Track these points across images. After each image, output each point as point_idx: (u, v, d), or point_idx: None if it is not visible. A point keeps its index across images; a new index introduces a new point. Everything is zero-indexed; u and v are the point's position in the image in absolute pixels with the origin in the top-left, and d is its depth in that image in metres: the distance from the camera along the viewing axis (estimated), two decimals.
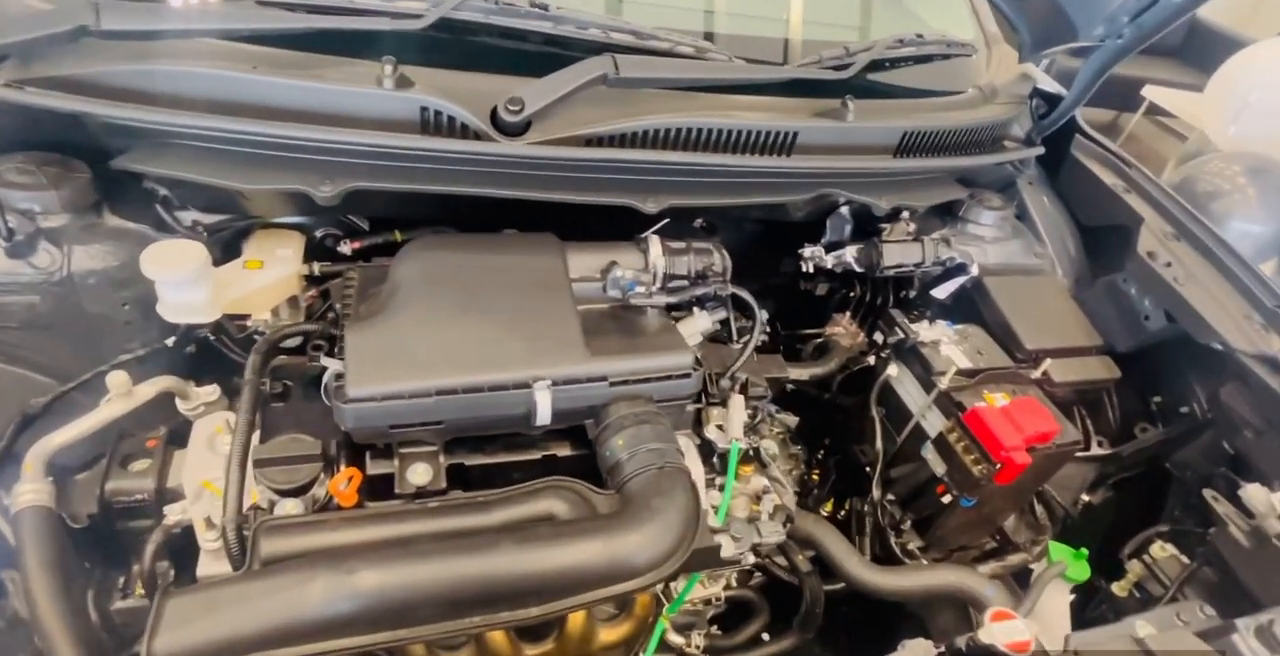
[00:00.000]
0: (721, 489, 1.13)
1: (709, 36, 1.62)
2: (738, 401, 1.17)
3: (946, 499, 1.28)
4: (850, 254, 1.50)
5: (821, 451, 1.70)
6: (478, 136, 1.09)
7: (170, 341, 1.18)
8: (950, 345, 1.44)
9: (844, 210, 1.48)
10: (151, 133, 1.02)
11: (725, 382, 1.21)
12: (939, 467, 1.30)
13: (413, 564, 0.77)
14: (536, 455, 1.03)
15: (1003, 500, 1.38)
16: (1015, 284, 1.60)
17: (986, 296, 1.56)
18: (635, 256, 1.17)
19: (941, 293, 1.59)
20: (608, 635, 1.20)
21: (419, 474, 0.94)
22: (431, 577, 0.77)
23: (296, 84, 1.02)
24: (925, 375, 1.38)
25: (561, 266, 1.08)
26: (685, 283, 1.19)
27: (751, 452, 1.22)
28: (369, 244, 1.30)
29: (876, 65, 1.58)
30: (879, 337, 1.47)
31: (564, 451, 1.04)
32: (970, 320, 1.54)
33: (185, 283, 1.03)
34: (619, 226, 1.23)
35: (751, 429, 1.24)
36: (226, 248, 1.25)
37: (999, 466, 1.19)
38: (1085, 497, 1.61)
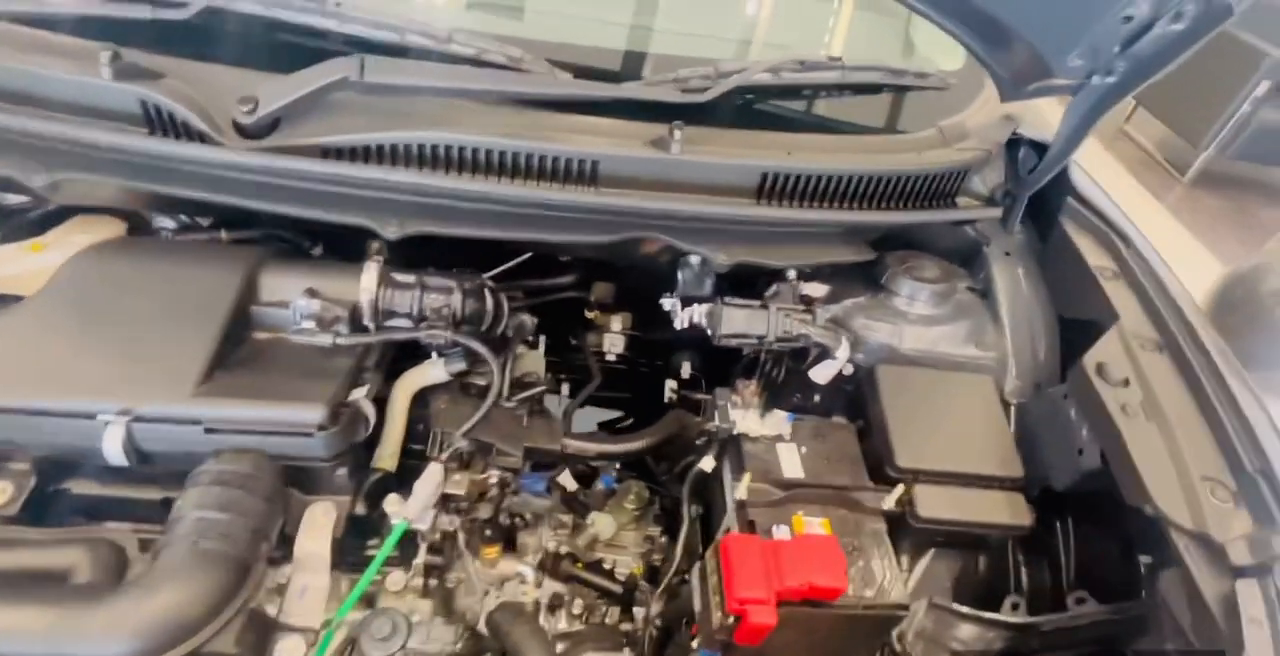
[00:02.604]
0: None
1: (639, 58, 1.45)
2: (430, 471, 0.97)
3: (695, 643, 0.99)
4: (699, 313, 1.23)
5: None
6: (203, 138, 1.01)
7: None
8: (787, 444, 1.13)
9: (693, 260, 1.23)
10: None
11: (462, 445, 1.03)
12: (696, 602, 1.01)
13: None
14: (157, 496, 0.92)
15: None
16: (921, 379, 1.24)
17: (875, 389, 1.22)
18: (351, 285, 1.02)
19: (818, 375, 1.27)
20: None
21: None
22: None
23: (18, 69, 1.00)
24: (734, 478, 1.09)
25: (234, 290, 0.95)
26: (406, 323, 1.02)
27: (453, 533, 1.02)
28: (192, 239, 1.26)
29: (786, 94, 1.32)
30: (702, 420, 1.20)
31: None
32: (863, 416, 1.22)
33: None
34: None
35: (465, 508, 1.04)
36: (44, 226, 1.27)
37: (732, 620, 0.89)
38: None
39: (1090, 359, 1.09)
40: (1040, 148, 1.40)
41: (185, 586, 0.73)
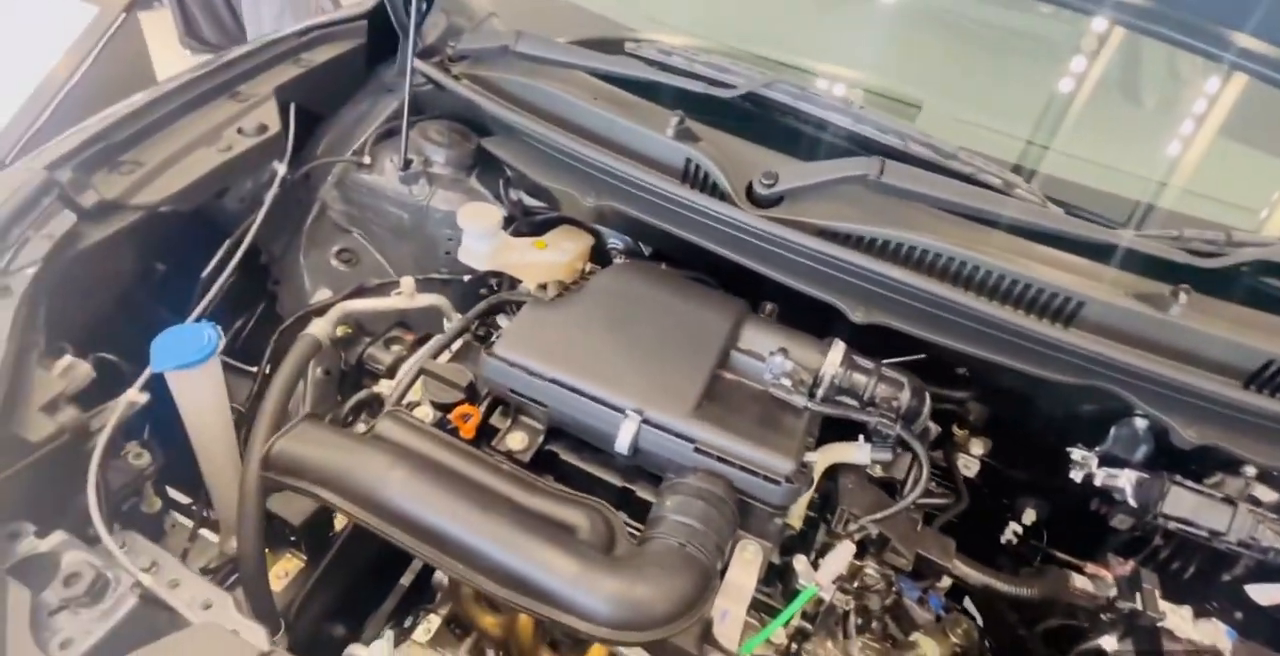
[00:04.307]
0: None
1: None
2: (845, 548, 1.01)
3: None
4: (1128, 478, 1.14)
5: None
6: (723, 197, 1.18)
7: (466, 278, 1.55)
8: None
9: (1139, 423, 1.14)
10: (508, 127, 1.37)
11: (853, 528, 1.06)
12: None
13: (432, 488, 0.89)
14: (619, 483, 1.06)
15: None
16: None
17: None
18: (814, 354, 1.11)
19: (1261, 596, 1.10)
20: None
21: (515, 440, 1.06)
22: (437, 506, 0.88)
23: (602, 114, 1.26)
24: None
25: (727, 330, 1.09)
26: (855, 403, 1.08)
27: (841, 613, 1.03)
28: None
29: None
30: (1114, 596, 1.08)
31: (643, 493, 1.05)
32: None
33: (476, 234, 1.33)
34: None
35: (857, 589, 1.05)
36: (538, 229, 1.58)
37: None
38: None
39: None
40: None
41: (673, 578, 0.83)
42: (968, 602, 1.29)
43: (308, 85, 1.51)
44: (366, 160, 1.52)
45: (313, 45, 1.55)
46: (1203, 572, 1.18)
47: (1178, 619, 0.99)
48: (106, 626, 0.73)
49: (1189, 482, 1.08)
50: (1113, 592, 1.05)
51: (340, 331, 1.44)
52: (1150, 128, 1.72)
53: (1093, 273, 1.13)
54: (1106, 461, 1.17)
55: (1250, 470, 1.11)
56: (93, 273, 1.15)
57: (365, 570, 1.39)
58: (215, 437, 1.17)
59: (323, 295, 1.47)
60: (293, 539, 1.27)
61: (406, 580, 1.42)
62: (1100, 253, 1.15)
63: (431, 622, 1.28)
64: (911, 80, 1.69)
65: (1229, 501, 1.05)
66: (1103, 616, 1.05)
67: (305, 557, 1.30)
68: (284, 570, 1.30)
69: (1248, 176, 1.63)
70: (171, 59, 2.89)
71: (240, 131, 1.34)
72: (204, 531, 1.32)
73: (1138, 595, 1.01)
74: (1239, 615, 1.13)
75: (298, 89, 1.49)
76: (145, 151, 1.24)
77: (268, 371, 1.36)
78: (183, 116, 1.32)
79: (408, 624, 1.30)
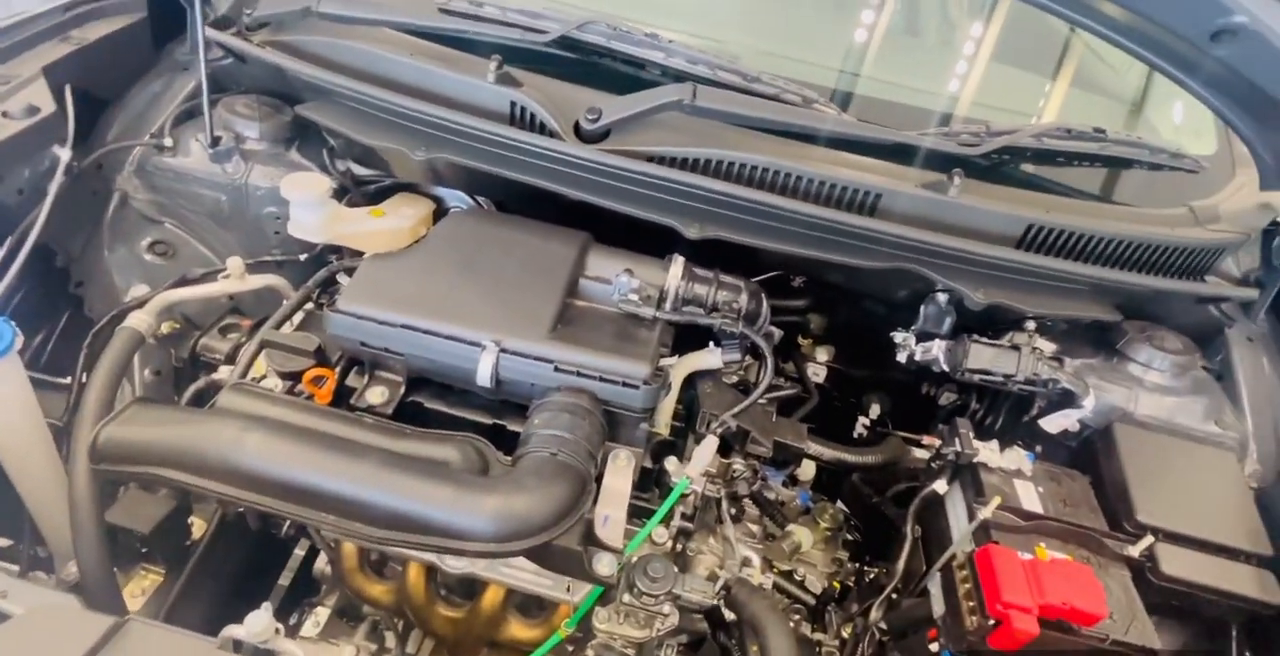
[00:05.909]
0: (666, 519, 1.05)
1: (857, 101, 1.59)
2: (709, 442, 1.09)
3: (934, 647, 1.02)
4: (938, 348, 1.31)
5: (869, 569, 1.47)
6: (552, 136, 1.21)
7: (303, 257, 1.47)
8: (1025, 481, 1.17)
9: (941, 298, 1.31)
10: (324, 90, 1.32)
11: (715, 425, 1.14)
12: (939, 606, 1.05)
13: (292, 445, 0.86)
14: (488, 421, 1.07)
15: None
16: (1161, 445, 1.25)
17: (1111, 446, 1.25)
18: (657, 272, 1.17)
19: (1050, 425, 1.30)
20: (517, 629, 1.17)
21: (375, 394, 1.04)
22: (300, 462, 0.85)
23: (421, 67, 1.25)
24: (975, 501, 1.14)
25: (573, 259, 1.13)
26: (700, 310, 1.16)
27: (715, 504, 1.12)
28: None
29: (1043, 157, 1.42)
30: (937, 447, 1.25)
31: (514, 426, 1.07)
32: (1089, 474, 1.25)
33: (304, 204, 1.27)
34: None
35: (727, 480, 1.14)
36: (375, 198, 1.53)
37: (993, 623, 0.93)
38: None
39: None
40: None
41: (551, 487, 0.86)
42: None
43: (83, 65, 1.37)
44: (168, 142, 1.40)
45: (82, 21, 1.40)
46: (1008, 422, 1.39)
47: (988, 452, 1.16)
48: None
49: (984, 340, 1.26)
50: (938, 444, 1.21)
51: (166, 327, 1.34)
52: (933, 56, 1.93)
53: (886, 170, 1.28)
54: (922, 338, 1.33)
55: (1030, 324, 1.32)
56: None
57: (235, 575, 1.31)
58: (29, 448, 1.05)
59: (139, 291, 1.35)
60: (144, 551, 1.17)
61: (285, 579, 1.36)
62: (891, 153, 1.30)
63: (320, 615, 1.24)
64: (722, 29, 1.80)
65: (1015, 347, 1.24)
66: (933, 465, 1.21)
67: (162, 570, 1.21)
68: (139, 589, 1.19)
69: (1018, 91, 1.88)
70: None
71: (5, 114, 1.20)
72: (36, 573, 1.19)
73: (957, 440, 1.17)
74: (1039, 448, 1.33)
75: (71, 69, 1.34)
76: None
77: (84, 380, 1.24)
78: None
79: (293, 622, 1.24)
